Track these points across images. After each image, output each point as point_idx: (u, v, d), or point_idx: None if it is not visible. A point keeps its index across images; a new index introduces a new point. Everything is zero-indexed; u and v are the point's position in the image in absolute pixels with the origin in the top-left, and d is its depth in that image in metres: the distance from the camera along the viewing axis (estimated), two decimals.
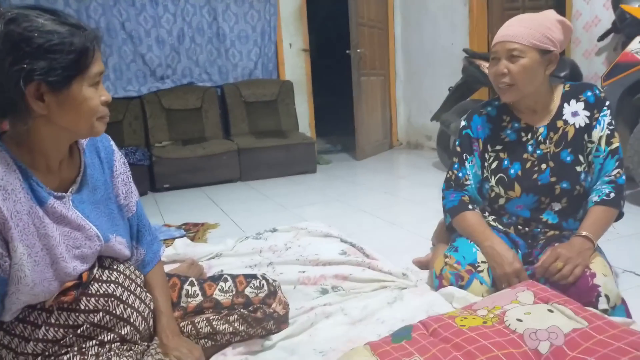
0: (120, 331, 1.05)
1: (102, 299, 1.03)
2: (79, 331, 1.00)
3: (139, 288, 1.13)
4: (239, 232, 2.56)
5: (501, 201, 1.58)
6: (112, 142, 1.19)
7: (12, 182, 0.89)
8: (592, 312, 1.11)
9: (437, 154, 4.24)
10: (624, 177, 1.47)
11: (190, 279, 1.30)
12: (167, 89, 4.40)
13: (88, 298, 1.01)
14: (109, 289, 1.05)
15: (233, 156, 4.10)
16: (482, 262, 1.47)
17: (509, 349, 0.99)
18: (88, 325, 1.01)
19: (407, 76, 5.53)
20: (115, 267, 1.10)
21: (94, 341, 1.02)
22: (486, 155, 1.60)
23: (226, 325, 1.23)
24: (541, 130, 1.53)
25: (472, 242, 1.52)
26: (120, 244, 1.11)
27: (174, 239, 2.36)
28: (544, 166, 1.51)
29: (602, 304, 1.26)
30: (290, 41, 4.96)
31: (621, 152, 1.48)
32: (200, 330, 1.21)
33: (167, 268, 1.69)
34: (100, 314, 1.02)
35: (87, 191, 1.07)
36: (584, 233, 1.40)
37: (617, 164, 1.46)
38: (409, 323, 1.19)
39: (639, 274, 1.72)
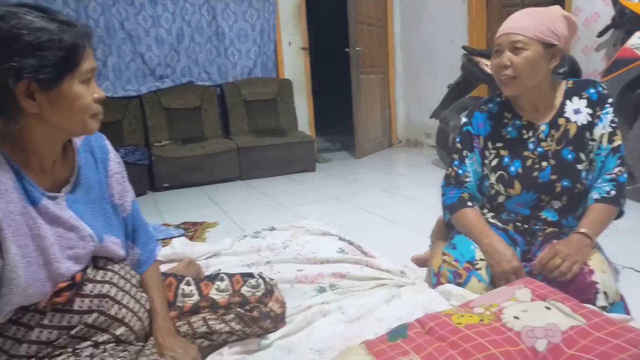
0: (115, 332, 1.05)
1: (96, 300, 1.02)
2: (73, 332, 0.99)
3: (134, 288, 1.13)
4: (238, 230, 2.56)
5: (501, 199, 1.57)
6: (107, 142, 1.17)
7: (5, 182, 0.89)
8: (590, 309, 1.10)
9: (436, 152, 4.23)
10: (625, 175, 1.45)
11: (186, 279, 1.30)
12: (166, 88, 4.40)
13: (82, 299, 1.00)
14: (103, 290, 1.04)
15: (232, 155, 4.10)
16: (480, 259, 1.46)
17: (506, 347, 0.98)
18: (82, 326, 1.00)
19: (406, 74, 5.52)
20: (109, 267, 1.09)
21: (88, 342, 1.01)
22: (487, 153, 1.59)
23: (222, 324, 1.22)
24: (542, 127, 1.51)
25: (470, 240, 1.51)
26: (114, 244, 1.10)
27: (172, 238, 2.35)
28: (544, 164, 1.50)
29: (601, 300, 1.26)
30: (289, 40, 4.95)
31: (623, 150, 1.46)
32: (197, 329, 1.21)
33: (165, 267, 1.68)
34: (95, 314, 1.01)
35: (81, 191, 1.06)
36: (582, 230, 1.39)
37: (618, 162, 1.45)
38: (406, 321, 1.18)
39: (638, 270, 1.71)
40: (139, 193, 3.58)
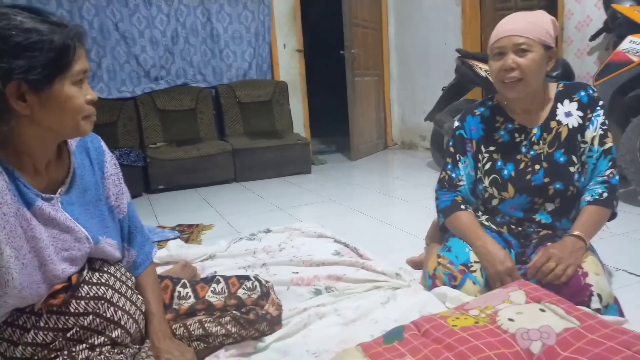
0: (110, 334, 1.04)
1: (92, 302, 1.02)
2: (68, 335, 0.99)
3: (129, 290, 1.12)
4: (234, 233, 2.56)
5: (494, 202, 1.58)
6: (103, 143, 1.17)
7: None
8: (584, 311, 1.11)
9: (431, 154, 4.24)
10: (617, 178, 1.46)
11: (182, 281, 1.30)
12: (161, 90, 4.39)
13: (77, 301, 1.00)
14: (99, 292, 1.04)
15: (228, 157, 4.09)
16: (475, 262, 1.47)
17: (501, 349, 0.99)
18: (78, 329, 1.00)
19: (400, 76, 5.54)
20: (105, 269, 1.09)
21: (84, 345, 1.01)
22: (480, 156, 1.60)
23: (219, 327, 1.22)
24: (535, 131, 1.53)
25: (464, 242, 1.52)
26: (110, 246, 1.10)
27: (168, 240, 2.35)
28: (537, 167, 1.51)
29: (595, 303, 1.26)
30: (284, 42, 4.95)
31: (614, 153, 1.47)
32: (193, 332, 1.21)
33: (160, 270, 1.68)
34: (90, 317, 1.01)
35: (76, 192, 1.05)
36: (576, 232, 1.39)
37: (610, 164, 1.46)
38: (402, 323, 1.18)
39: (632, 272, 1.72)
40: (133, 195, 3.55)
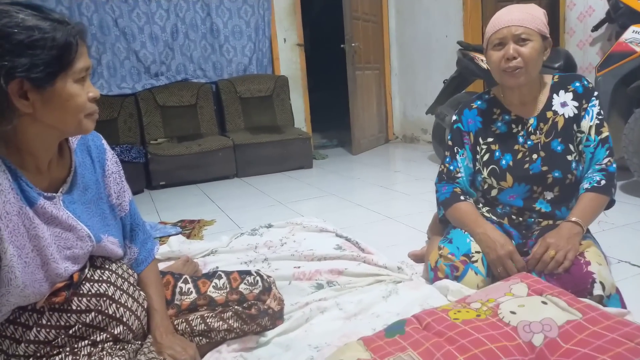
0: (113, 331, 1.05)
1: (94, 299, 1.02)
2: (71, 332, 0.99)
3: (131, 287, 1.13)
4: (236, 228, 2.56)
5: (494, 192, 1.59)
6: (104, 141, 1.17)
7: (1, 183, 0.88)
8: (586, 303, 1.11)
9: (432, 147, 4.23)
10: (614, 165, 1.49)
11: (184, 277, 1.30)
12: (161, 86, 4.38)
13: (80, 298, 1.00)
14: (100, 289, 1.04)
15: (229, 152, 4.09)
16: (476, 252, 1.48)
17: (503, 341, 0.99)
18: (80, 326, 1.00)
19: (402, 69, 5.51)
20: (107, 266, 1.09)
21: (86, 341, 1.01)
22: (478, 148, 1.62)
23: (220, 322, 1.23)
24: (531, 121, 1.55)
25: (465, 233, 1.53)
26: (112, 244, 1.10)
27: (169, 236, 2.35)
28: (535, 156, 1.52)
29: (597, 290, 1.27)
30: (284, 36, 4.94)
31: (611, 141, 1.50)
32: (195, 327, 1.21)
33: (162, 266, 1.68)
34: (92, 313, 1.01)
35: (78, 191, 1.05)
36: (573, 219, 1.42)
37: (607, 152, 1.48)
38: (403, 317, 1.19)
39: (634, 264, 1.72)
40: (135, 191, 3.57)
